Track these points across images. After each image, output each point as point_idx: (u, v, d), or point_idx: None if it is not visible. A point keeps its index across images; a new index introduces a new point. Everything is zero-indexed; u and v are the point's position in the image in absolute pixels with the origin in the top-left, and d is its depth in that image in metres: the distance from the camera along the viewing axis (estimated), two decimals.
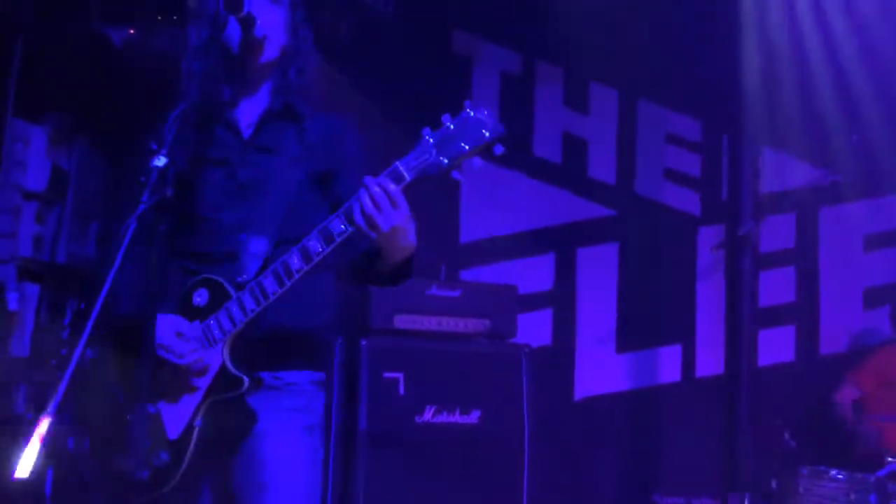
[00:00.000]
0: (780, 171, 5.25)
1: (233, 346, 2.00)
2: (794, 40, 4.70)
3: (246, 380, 1.98)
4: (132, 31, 4.65)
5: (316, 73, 2.16)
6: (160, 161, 1.77)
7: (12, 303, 4.28)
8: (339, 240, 1.91)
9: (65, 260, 4.72)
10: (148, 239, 1.77)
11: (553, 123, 5.27)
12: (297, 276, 1.94)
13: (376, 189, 1.83)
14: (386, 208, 1.83)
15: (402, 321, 3.86)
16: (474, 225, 5.09)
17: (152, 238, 1.74)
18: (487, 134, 1.82)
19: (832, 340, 5.39)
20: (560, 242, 5.23)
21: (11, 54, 4.22)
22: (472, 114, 1.83)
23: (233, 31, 2.03)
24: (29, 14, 4.25)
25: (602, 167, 5.32)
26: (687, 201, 5.39)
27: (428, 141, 1.84)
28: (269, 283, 1.95)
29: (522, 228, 5.17)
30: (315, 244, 1.91)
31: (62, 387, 1.47)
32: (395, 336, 3.81)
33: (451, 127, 1.83)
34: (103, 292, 1.57)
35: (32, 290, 4.45)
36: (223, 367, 1.99)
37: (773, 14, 4.62)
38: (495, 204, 5.08)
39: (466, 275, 4.98)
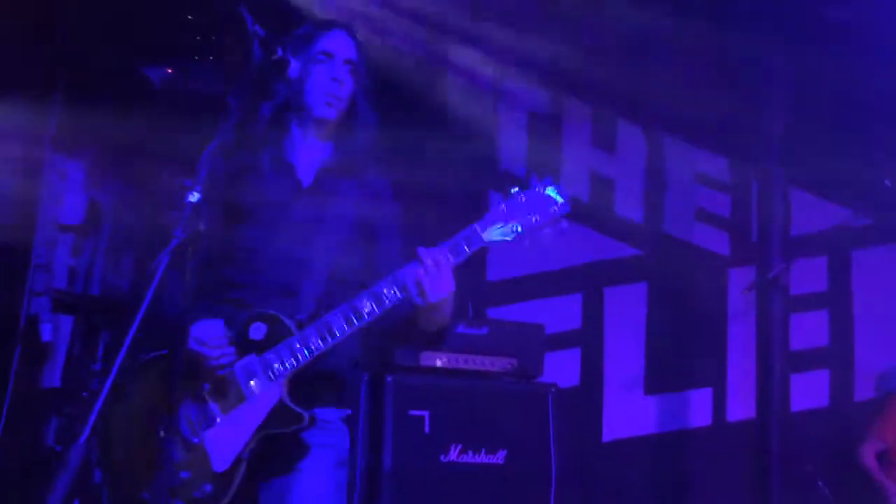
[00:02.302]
0: (811, 213, 5.20)
1: (291, 383, 2.03)
2: (820, 80, 4.69)
3: (306, 416, 2.02)
4: (170, 71, 4.78)
5: (373, 135, 2.29)
6: (194, 196, 1.82)
7: (46, 334, 4.35)
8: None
9: (98, 292, 4.80)
10: (179, 272, 1.81)
11: (580, 162, 5.29)
12: (367, 319, 2.01)
13: (429, 260, 1.96)
14: (437, 278, 1.96)
15: (427, 358, 3.85)
16: (501, 263, 5.09)
17: (184, 271, 1.78)
18: (556, 210, 2.01)
19: (867, 386, 5.27)
20: (588, 281, 5.21)
21: (54, 91, 4.35)
22: (540, 190, 2.01)
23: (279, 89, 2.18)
24: (72, 52, 4.39)
25: (630, 206, 5.31)
26: (716, 241, 5.35)
27: (502, 209, 2.01)
28: (336, 322, 2.00)
29: (550, 267, 5.16)
30: (388, 291, 2.00)
31: (92, 417, 1.49)
32: (420, 373, 3.80)
33: (523, 199, 2.01)
34: (135, 324, 1.60)
35: (66, 321, 4.52)
36: (281, 403, 2.01)
37: (800, 55, 4.62)
38: (522, 243, 5.07)
39: (493, 313, 4.97)
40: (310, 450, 2.06)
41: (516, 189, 2.01)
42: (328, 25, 2.30)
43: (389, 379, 3.66)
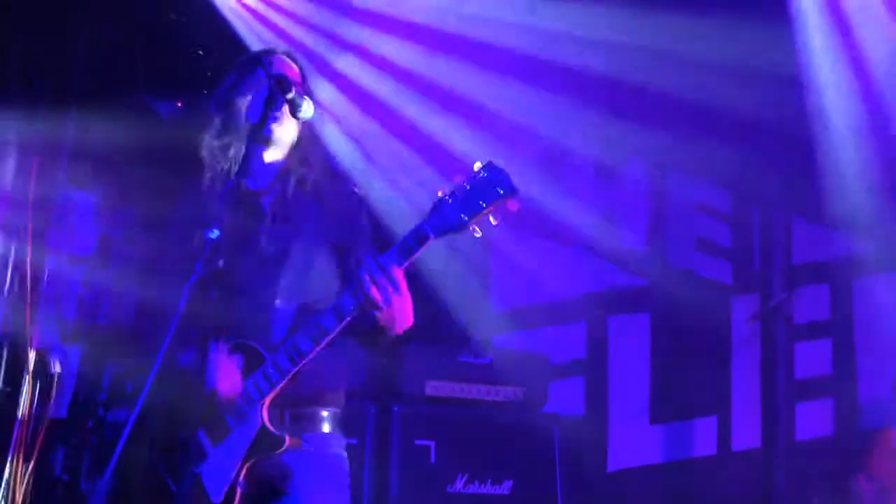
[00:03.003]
0: (813, 241, 5.23)
1: (270, 407, 2.07)
2: (825, 109, 4.74)
3: (285, 437, 2.05)
4: (179, 104, 4.86)
5: (326, 152, 2.37)
6: (213, 233, 1.86)
7: (54, 365, 4.38)
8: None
9: (105, 323, 4.84)
10: (198, 307, 1.85)
11: (585, 192, 5.34)
12: (331, 335, 2.03)
13: (373, 266, 1.97)
14: (384, 286, 1.96)
15: (433, 388, 3.87)
16: (506, 292, 5.12)
17: (203, 306, 1.81)
18: (501, 191, 1.94)
19: (872, 414, 5.26)
20: (592, 311, 5.23)
21: (65, 125, 4.43)
22: (485, 174, 1.95)
23: (280, 110, 2.19)
24: (81, 87, 4.47)
25: (633, 236, 5.35)
26: (719, 271, 5.38)
27: (447, 201, 1.97)
28: (303, 343, 2.03)
29: (553, 297, 5.19)
30: (347, 305, 2.01)
31: (117, 452, 1.51)
32: (426, 403, 3.82)
33: (467, 187, 1.96)
34: (158, 359, 1.63)
35: (74, 352, 4.56)
36: (263, 428, 2.05)
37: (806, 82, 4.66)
38: (526, 272, 5.12)
39: (498, 342, 4.99)
40: (298, 474, 2.10)
41: (459, 177, 1.97)
42: (272, 51, 2.38)
43: (396, 409, 3.68)
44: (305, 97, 2.20)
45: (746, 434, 5.09)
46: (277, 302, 2.15)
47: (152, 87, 4.92)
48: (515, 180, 1.95)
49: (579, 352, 5.19)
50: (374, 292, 1.95)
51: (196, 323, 2.02)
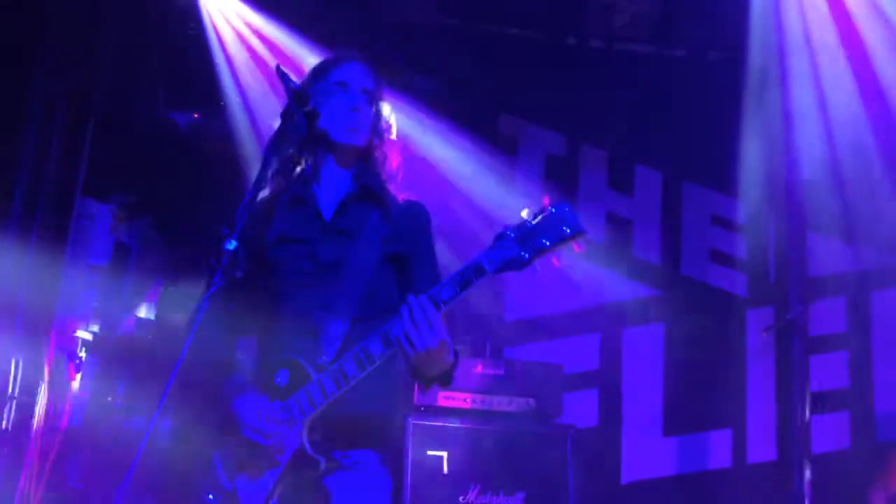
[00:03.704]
0: (829, 254, 5.20)
1: (311, 428, 2.03)
2: (842, 124, 4.73)
3: (322, 461, 2.01)
4: (196, 116, 4.91)
5: (398, 160, 2.28)
6: (231, 244, 1.83)
7: (71, 373, 4.41)
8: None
9: (122, 333, 4.87)
10: (218, 317, 1.83)
11: (597, 204, 5.34)
12: (378, 362, 1.98)
13: (417, 311, 1.90)
14: (423, 329, 1.90)
15: (446, 398, 3.87)
16: (519, 303, 5.12)
17: (222, 316, 1.80)
18: (568, 231, 1.86)
19: (889, 427, 5.21)
20: (606, 322, 5.22)
21: (83, 137, 4.47)
22: (553, 210, 1.88)
23: (300, 121, 2.12)
24: (100, 99, 4.52)
25: (647, 248, 5.34)
26: (734, 283, 5.36)
27: (509, 235, 1.89)
28: (349, 367, 1.99)
29: (567, 308, 5.19)
30: (392, 335, 1.96)
31: (134, 464, 1.52)
32: (439, 414, 3.82)
33: (533, 222, 1.89)
34: (175, 369, 1.64)
35: (91, 361, 4.59)
36: (301, 448, 2.02)
37: (820, 98, 4.66)
38: (540, 283, 5.12)
39: (511, 353, 4.98)
40: (337, 493, 2.05)
41: (525, 212, 1.90)
42: (343, 58, 2.30)
43: (408, 420, 3.68)
44: (366, 105, 2.18)
45: (762, 447, 5.05)
46: (330, 315, 2.08)
47: (170, 98, 4.97)
48: (583, 221, 1.86)
49: (593, 363, 5.17)
50: (413, 334, 1.90)
51: (214, 334, 1.98)
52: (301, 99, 2.05)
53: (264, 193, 2.20)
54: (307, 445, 2.01)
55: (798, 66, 4.55)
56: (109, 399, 4.62)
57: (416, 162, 4.90)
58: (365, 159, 2.25)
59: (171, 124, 4.92)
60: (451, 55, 5.11)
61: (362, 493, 2.10)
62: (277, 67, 2.05)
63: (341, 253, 2.15)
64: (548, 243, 1.86)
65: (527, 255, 1.87)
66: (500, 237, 1.91)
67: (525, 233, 1.88)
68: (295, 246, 2.16)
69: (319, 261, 2.14)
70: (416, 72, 5.10)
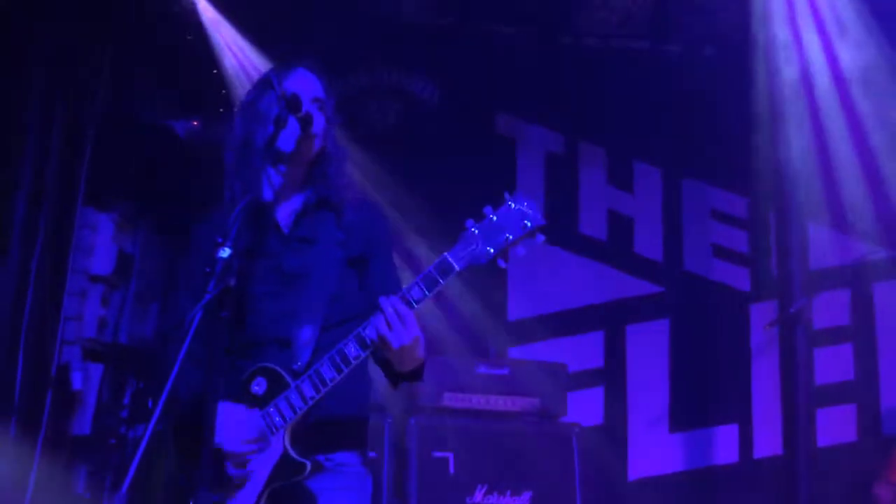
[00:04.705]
0: (831, 246, 5.19)
1: (293, 433, 2.05)
2: (840, 116, 4.72)
3: (308, 464, 2.03)
4: (195, 123, 4.92)
5: (348, 165, 2.30)
6: (225, 252, 1.84)
7: (76, 382, 4.42)
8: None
9: (126, 341, 4.88)
10: (210, 326, 1.83)
11: (598, 201, 5.35)
12: (353, 364, 2.02)
13: (389, 310, 1.96)
14: (397, 327, 1.96)
15: (450, 399, 3.87)
16: (522, 303, 5.12)
17: (215, 325, 1.80)
18: (529, 224, 1.96)
19: (895, 420, 5.20)
20: (609, 319, 5.22)
21: (83, 146, 4.48)
22: (512, 205, 1.98)
23: (292, 129, 2.15)
24: (99, 109, 4.54)
25: (649, 244, 5.34)
26: (736, 277, 5.35)
27: (473, 232, 1.97)
28: (326, 370, 2.02)
29: (570, 306, 5.19)
30: (367, 336, 2.01)
31: (131, 471, 1.52)
32: (443, 414, 3.83)
33: (494, 218, 1.98)
34: (171, 379, 1.64)
35: (96, 370, 4.60)
36: (285, 454, 2.04)
37: (820, 93, 4.66)
38: (542, 282, 5.13)
39: (515, 352, 4.98)
40: (323, 495, 2.07)
41: (488, 209, 1.98)
42: (289, 66, 2.29)
43: (412, 421, 3.69)
44: (318, 112, 2.18)
45: (768, 441, 5.05)
46: (299, 322, 2.11)
47: (169, 106, 4.98)
48: (543, 214, 1.96)
49: (597, 361, 5.17)
50: (386, 333, 1.96)
51: (208, 343, 1.96)
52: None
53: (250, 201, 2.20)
54: (291, 450, 2.04)
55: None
56: (115, 407, 4.63)
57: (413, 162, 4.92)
58: (318, 165, 2.26)
59: (171, 131, 4.93)
60: (448, 55, 5.11)
61: (347, 493, 2.13)
62: (270, 72, 2.04)
63: (304, 260, 2.19)
64: (510, 237, 1.96)
65: (492, 250, 1.96)
66: (464, 234, 1.99)
67: (488, 228, 1.97)
68: (259, 260, 2.18)
69: (284, 271, 2.18)
70: (414, 72, 5.11)
